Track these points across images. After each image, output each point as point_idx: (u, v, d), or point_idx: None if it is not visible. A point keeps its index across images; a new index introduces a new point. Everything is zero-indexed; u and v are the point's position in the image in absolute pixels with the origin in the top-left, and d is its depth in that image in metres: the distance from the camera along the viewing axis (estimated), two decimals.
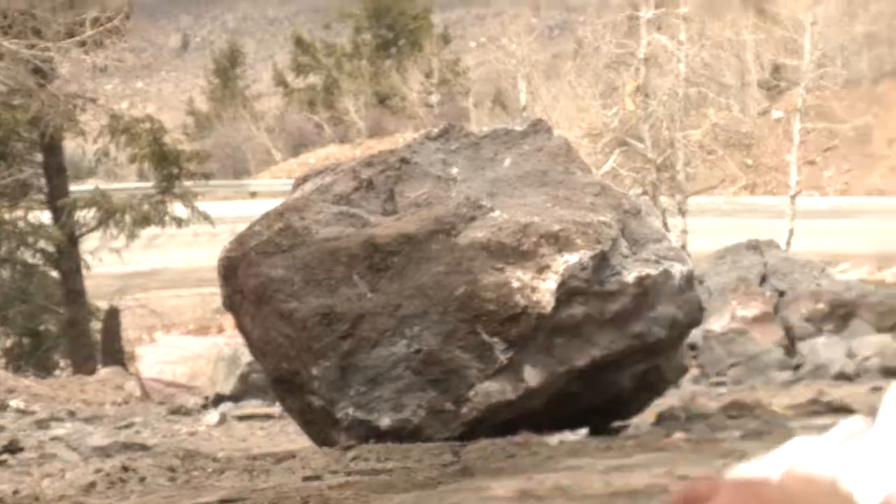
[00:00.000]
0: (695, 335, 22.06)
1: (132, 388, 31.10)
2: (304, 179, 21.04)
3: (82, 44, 39.52)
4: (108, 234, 45.54)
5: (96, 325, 43.69)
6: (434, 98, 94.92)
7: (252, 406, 24.96)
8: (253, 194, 68.61)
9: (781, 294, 30.09)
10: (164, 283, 47.76)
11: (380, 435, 17.92)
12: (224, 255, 19.33)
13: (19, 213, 43.74)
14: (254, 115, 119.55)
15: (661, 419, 20.10)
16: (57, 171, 44.67)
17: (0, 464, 19.59)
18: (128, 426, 24.08)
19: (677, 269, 18.93)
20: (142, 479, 17.83)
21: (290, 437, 19.93)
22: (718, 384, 25.75)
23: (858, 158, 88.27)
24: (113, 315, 44.06)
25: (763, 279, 30.45)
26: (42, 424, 23.84)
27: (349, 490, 15.88)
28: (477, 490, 15.33)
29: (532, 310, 17.77)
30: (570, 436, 18.17)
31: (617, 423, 19.47)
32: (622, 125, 74.20)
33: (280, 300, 18.38)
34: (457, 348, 17.87)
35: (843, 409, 19.35)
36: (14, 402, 26.31)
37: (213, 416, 25.44)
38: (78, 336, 42.94)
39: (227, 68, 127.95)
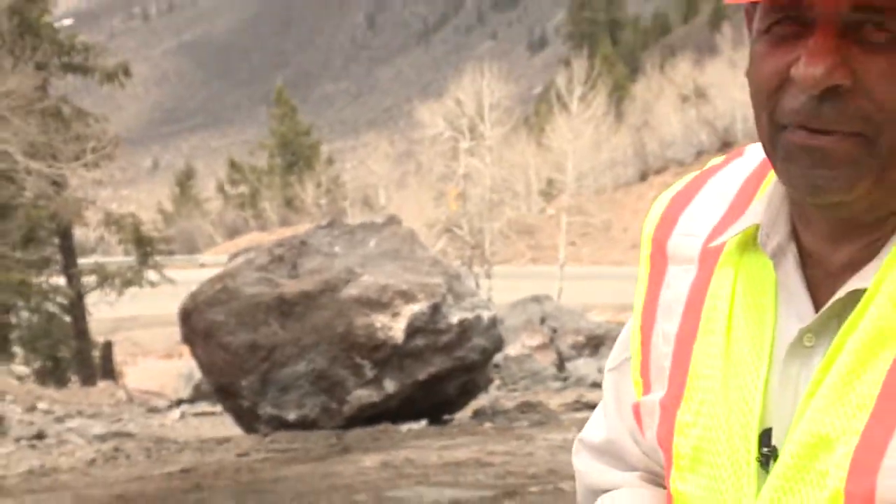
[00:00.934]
0: (497, 358, 22.14)
1: (121, 395, 30.81)
2: (236, 255, 21.17)
3: (85, 165, 39.25)
4: (103, 292, 45.23)
5: (96, 353, 43.35)
6: (323, 201, 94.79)
7: (202, 406, 24.81)
8: (201, 265, 68.03)
9: (554, 331, 30.42)
10: (142, 324, 47.25)
11: (288, 425, 18.02)
12: (182, 306, 19.42)
13: (43, 278, 43.39)
14: (202, 213, 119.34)
15: (476, 414, 20.29)
16: (69, 250, 44.30)
17: (31, 447, 19.44)
18: (118, 421, 23.89)
19: (485, 314, 19.18)
20: (128, 456, 17.76)
21: (228, 427, 19.83)
22: (513, 390, 25.86)
23: (604, 241, 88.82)
24: (108, 346, 43.73)
25: (542, 320, 30.72)
26: (60, 420, 23.62)
27: (268, 463, 15.86)
28: (353, 462, 15.33)
29: (389, 341, 17.97)
30: (415, 425, 18.29)
31: (446, 417, 19.61)
32: (448, 219, 74.70)
33: (220, 336, 18.43)
34: (339, 367, 18.02)
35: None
36: (41, 405, 26.04)
37: (175, 413, 25.30)
38: (84, 360, 42.56)
39: (184, 181, 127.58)
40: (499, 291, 50.68)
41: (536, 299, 34.08)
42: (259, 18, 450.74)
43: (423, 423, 18.60)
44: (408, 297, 18.29)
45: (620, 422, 2.04)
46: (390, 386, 18.07)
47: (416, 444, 16.52)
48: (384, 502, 12.70)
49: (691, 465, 1.81)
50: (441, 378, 18.55)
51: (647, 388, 1.93)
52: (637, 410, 1.94)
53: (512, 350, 27.02)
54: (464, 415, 19.94)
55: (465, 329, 18.57)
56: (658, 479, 2.02)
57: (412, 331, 18.10)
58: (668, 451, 1.86)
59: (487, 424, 18.98)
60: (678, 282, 1.90)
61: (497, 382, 24.33)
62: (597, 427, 2.11)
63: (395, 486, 13.51)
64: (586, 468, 2.10)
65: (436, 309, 18.32)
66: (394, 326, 18.08)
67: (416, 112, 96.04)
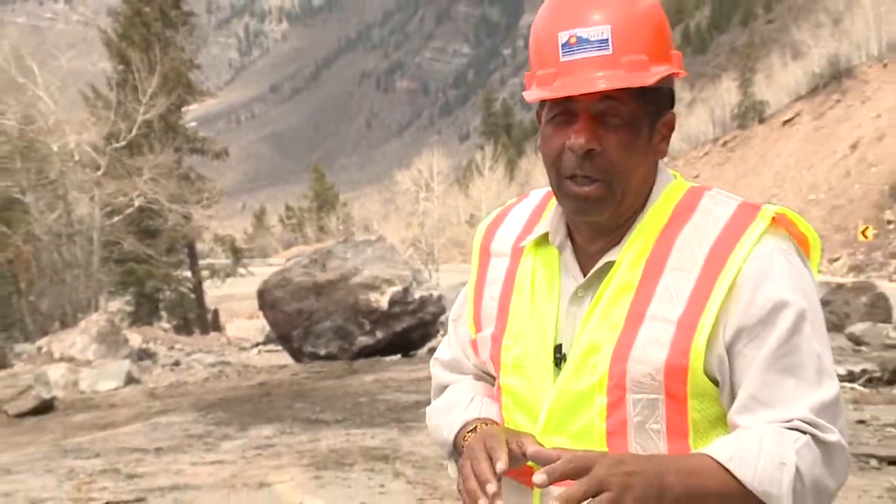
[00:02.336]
0: (442, 318, 22.00)
1: (224, 340, 30.62)
2: (290, 259, 21.08)
3: (203, 206, 39.11)
4: (213, 280, 45.05)
5: (209, 316, 43.13)
6: (340, 227, 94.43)
7: (270, 346, 24.60)
8: (269, 265, 67.49)
9: None
10: (236, 299, 46.90)
11: (320, 358, 17.93)
12: (259, 288, 19.30)
13: (178, 272, 43.17)
14: (270, 234, 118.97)
15: (430, 350, 19.56)
16: (193, 256, 44.08)
17: (171, 370, 19.30)
18: (222, 355, 23.72)
19: (435, 293, 19.17)
20: (227, 376, 17.62)
21: (285, 358, 19.70)
22: None
23: None
24: (216, 312, 43.46)
25: None
26: (188, 354, 23.45)
27: (309, 379, 15.75)
28: (358, 379, 15.25)
29: (379, 309, 17.94)
30: (394, 358, 18.16)
31: (412, 353, 19.22)
32: (413, 238, 74.59)
33: (280, 305, 18.33)
34: (350, 324, 17.96)
35: None
36: (177, 346, 25.92)
37: (255, 350, 25.11)
38: (202, 320, 42.30)
39: (260, 216, 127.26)
40: (443, 280, 50.64)
41: (464, 284, 34.07)
42: (305, 123, 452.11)
43: (399, 356, 18.49)
44: (390, 282, 18.25)
45: (459, 349, 2.16)
46: (380, 334, 18.03)
47: (395, 369, 16.46)
48: (376, 402, 12.64)
49: (513, 370, 1.94)
50: (409, 330, 18.51)
51: (479, 328, 2.05)
52: (474, 343, 2.07)
53: (444, 317, 27.12)
54: (422, 351, 19.79)
55: (423, 301, 18.56)
56: (481, 379, 2.14)
57: (392, 302, 18.08)
58: (497, 363, 1.98)
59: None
60: (498, 267, 2.04)
61: (441, 332, 24.29)
62: (445, 352, 2.20)
63: (382, 392, 13.46)
64: (440, 374, 2.21)
65: (406, 290, 18.32)
66: (381, 300, 18.03)
67: (395, 176, 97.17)
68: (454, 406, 2.04)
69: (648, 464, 1.66)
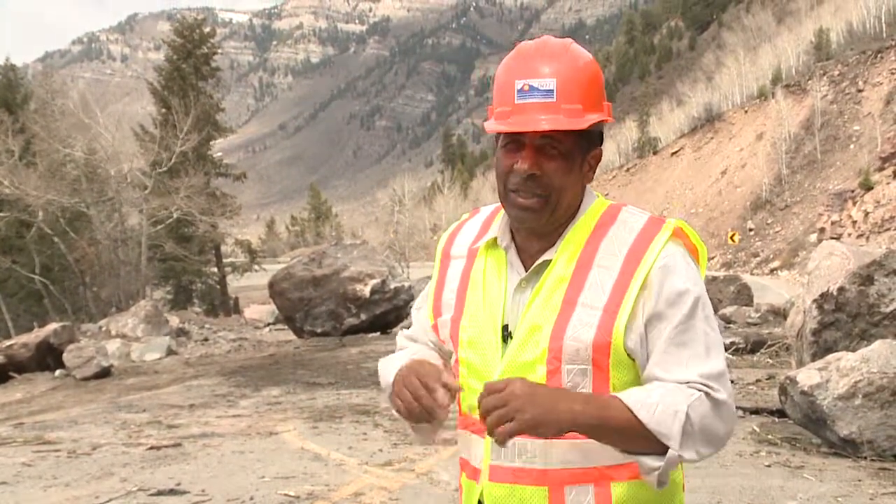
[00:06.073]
0: (412, 304, 21.93)
1: (242, 321, 30.24)
2: (294, 258, 20.84)
3: (226, 217, 38.82)
4: (234, 275, 44.66)
5: (232, 302, 42.74)
6: (333, 233, 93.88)
7: (278, 326, 24.35)
8: (278, 262, 66.95)
9: None
10: (252, 289, 46.47)
11: (317, 335, 17.73)
12: (270, 280, 19.02)
13: (207, 268, 42.75)
14: (279, 239, 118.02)
15: (403, 327, 19.75)
16: (218, 256, 43.60)
17: (202, 344, 19.02)
18: (241, 332, 23.43)
19: (406, 284, 18.98)
20: (245, 349, 17.45)
21: (289, 335, 19.54)
22: None
23: None
24: (236, 299, 43.00)
25: None
26: (214, 332, 23.13)
27: (308, 351, 15.64)
28: (346, 351, 15.17)
29: (363, 296, 17.76)
30: (374, 334, 18.04)
31: (389, 330, 18.89)
32: (390, 242, 74.29)
33: (286, 294, 18.12)
34: (340, 308, 17.79)
35: None
36: (206, 326, 25.54)
37: (267, 329, 24.82)
38: (225, 305, 41.90)
39: (271, 225, 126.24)
40: (412, 274, 50.50)
41: (428, 278, 33.84)
42: (305, 153, 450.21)
43: (378, 333, 18.32)
44: (371, 276, 18.08)
45: (420, 328, 2.10)
46: (363, 316, 17.80)
47: (375, 343, 16.39)
48: (360, 369, 12.59)
49: (468, 345, 1.90)
50: (386, 313, 18.29)
51: (438, 314, 2.00)
52: (436, 325, 2.02)
53: (417, 301, 26.92)
54: (396, 329, 19.57)
55: (397, 291, 18.38)
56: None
57: (373, 291, 17.88)
58: (455, 341, 1.93)
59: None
60: (457, 267, 2.00)
61: (412, 315, 24.18)
62: (411, 328, 2.17)
63: (365, 361, 13.39)
64: (401, 340, 2.19)
65: (384, 282, 18.13)
66: (365, 289, 17.87)
67: (376, 194, 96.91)
68: (399, 356, 2.04)
69: (555, 392, 1.73)
